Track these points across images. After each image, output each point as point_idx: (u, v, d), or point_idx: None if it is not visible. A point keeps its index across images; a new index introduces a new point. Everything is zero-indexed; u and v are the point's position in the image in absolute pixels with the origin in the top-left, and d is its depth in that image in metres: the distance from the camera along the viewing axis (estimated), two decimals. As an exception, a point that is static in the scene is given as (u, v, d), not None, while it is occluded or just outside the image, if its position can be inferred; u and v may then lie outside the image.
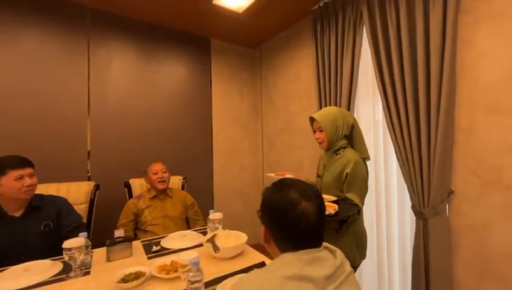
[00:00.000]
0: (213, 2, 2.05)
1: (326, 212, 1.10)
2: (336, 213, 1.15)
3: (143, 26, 2.44)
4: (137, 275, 0.98)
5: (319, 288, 0.53)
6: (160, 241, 1.39)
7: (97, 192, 1.84)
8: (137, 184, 2.02)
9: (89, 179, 2.15)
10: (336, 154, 1.41)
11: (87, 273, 1.06)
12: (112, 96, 2.29)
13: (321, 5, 2.16)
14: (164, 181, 1.88)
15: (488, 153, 1.33)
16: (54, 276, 1.04)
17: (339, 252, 0.63)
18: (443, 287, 1.45)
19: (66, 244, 1.02)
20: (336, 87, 2.06)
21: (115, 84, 2.31)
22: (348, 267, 0.62)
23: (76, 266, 1.03)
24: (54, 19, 2.05)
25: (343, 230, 1.30)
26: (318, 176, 1.55)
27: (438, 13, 1.42)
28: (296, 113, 2.62)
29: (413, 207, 1.57)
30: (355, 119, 1.46)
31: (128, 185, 2.01)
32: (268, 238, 0.63)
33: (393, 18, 1.64)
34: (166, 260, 1.10)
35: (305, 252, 0.57)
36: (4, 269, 1.10)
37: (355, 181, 1.30)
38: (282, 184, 0.64)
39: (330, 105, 2.11)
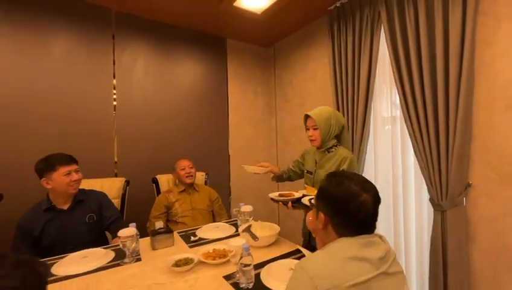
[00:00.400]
0: (234, 4, 2.12)
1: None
2: None
3: (163, 28, 2.52)
4: (187, 261, 1.08)
5: (375, 268, 0.62)
6: (195, 232, 1.49)
7: (127, 187, 1.95)
8: (164, 180, 2.13)
9: (115, 176, 2.26)
10: (329, 152, 1.49)
11: (139, 259, 1.17)
12: (136, 95, 2.38)
13: (338, 5, 2.22)
14: (191, 176, 1.98)
15: (506, 149, 1.40)
16: (109, 262, 1.15)
17: (385, 238, 0.72)
18: (460, 276, 1.53)
19: (121, 233, 1.13)
20: (353, 86, 2.13)
21: (138, 83, 2.40)
22: (393, 251, 0.71)
23: (129, 253, 1.14)
24: (82, 22, 2.14)
25: None
26: (308, 172, 1.61)
27: (457, 14, 1.48)
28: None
29: (431, 200, 1.65)
30: (345, 121, 1.53)
31: (155, 181, 2.11)
32: (326, 224, 0.72)
33: (411, 18, 1.70)
34: (207, 248, 1.20)
35: (361, 237, 0.66)
36: (63, 256, 1.21)
37: None
38: (343, 177, 0.72)
39: (347, 103, 2.18)
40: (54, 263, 1.15)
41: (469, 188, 1.54)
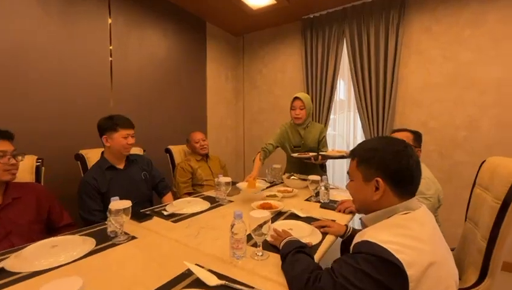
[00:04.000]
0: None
1: (343, 154, 1.79)
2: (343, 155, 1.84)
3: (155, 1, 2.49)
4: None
5: None
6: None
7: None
8: (177, 150, 2.27)
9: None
10: (308, 127, 1.96)
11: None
12: (131, 64, 2.32)
13: (311, 16, 2.91)
14: (205, 147, 2.24)
15: (409, 125, 2.48)
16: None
17: None
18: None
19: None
20: (321, 81, 2.90)
21: (134, 53, 2.33)
22: None
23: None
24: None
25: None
26: (296, 146, 1.98)
27: (392, 44, 2.45)
28: (280, 96, 3.33)
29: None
30: None
31: (169, 151, 2.23)
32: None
33: (365, 40, 2.59)
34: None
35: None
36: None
37: (326, 141, 2.05)
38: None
39: (316, 93, 2.94)
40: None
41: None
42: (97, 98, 2.08)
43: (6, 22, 1.59)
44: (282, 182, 2.05)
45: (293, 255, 0.75)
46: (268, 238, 0.95)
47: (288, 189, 1.70)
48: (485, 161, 1.30)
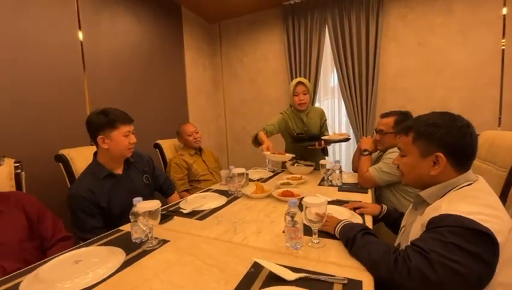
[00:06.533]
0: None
1: (345, 136, 1.79)
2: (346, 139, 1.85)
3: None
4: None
5: None
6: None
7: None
8: (167, 145, 2.09)
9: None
10: (309, 112, 1.92)
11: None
12: (105, 53, 2.05)
13: (292, 3, 2.88)
14: (199, 140, 2.10)
15: (388, 108, 2.65)
16: (227, 200, 1.33)
17: None
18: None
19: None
20: (305, 68, 2.91)
21: (107, 40, 2.06)
22: None
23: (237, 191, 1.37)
24: None
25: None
26: (299, 134, 1.93)
27: (372, 32, 2.56)
28: (263, 85, 3.28)
29: (358, 139, 2.77)
30: None
31: (158, 146, 2.04)
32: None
33: (347, 27, 2.66)
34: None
35: None
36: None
37: (327, 125, 2.07)
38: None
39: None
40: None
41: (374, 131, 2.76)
42: (70, 91, 1.80)
43: None
44: (283, 170, 2.03)
45: (362, 238, 0.73)
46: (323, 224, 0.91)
47: (296, 176, 1.69)
48: (478, 135, 1.44)
